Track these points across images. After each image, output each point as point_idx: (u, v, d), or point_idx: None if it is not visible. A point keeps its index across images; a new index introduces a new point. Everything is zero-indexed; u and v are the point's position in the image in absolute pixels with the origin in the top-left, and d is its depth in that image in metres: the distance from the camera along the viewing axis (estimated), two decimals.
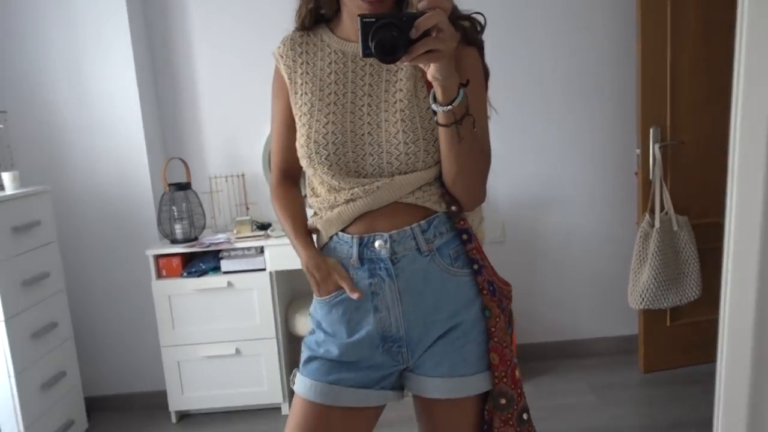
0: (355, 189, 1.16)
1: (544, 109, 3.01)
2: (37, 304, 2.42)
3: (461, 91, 1.04)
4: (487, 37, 1.21)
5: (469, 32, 1.17)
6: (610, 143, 3.02)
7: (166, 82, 2.92)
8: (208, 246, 2.67)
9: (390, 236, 1.16)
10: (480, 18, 1.20)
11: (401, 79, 1.16)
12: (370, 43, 0.96)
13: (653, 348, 2.92)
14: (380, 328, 1.19)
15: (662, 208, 2.73)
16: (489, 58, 1.21)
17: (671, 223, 2.72)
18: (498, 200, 3.06)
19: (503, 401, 1.21)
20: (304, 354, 1.25)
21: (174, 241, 2.73)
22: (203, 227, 2.81)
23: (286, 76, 1.24)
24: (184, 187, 2.75)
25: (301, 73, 1.22)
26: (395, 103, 1.16)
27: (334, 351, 1.21)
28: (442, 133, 1.09)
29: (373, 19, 0.96)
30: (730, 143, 1.16)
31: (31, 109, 2.75)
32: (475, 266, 1.21)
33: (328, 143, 1.16)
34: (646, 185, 2.75)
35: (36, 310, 2.42)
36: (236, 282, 2.67)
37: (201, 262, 2.71)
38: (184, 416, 2.87)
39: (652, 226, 2.72)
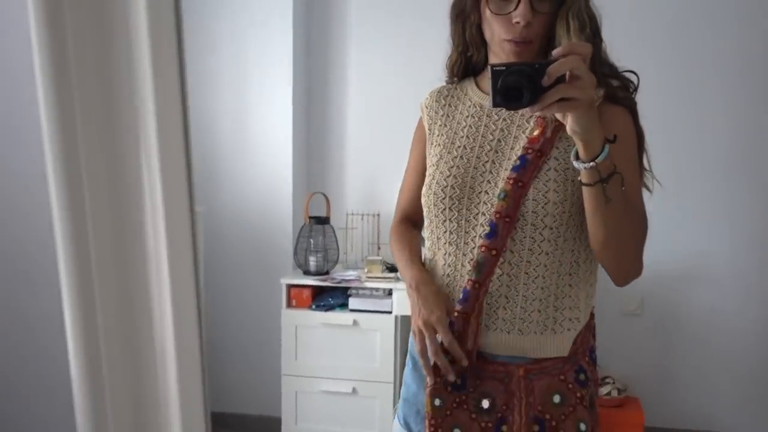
0: None
1: (699, 177, 2.82)
2: None
3: (606, 147, 0.95)
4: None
5: (617, 91, 1.10)
6: None
7: (318, 119, 3.05)
8: (339, 282, 2.71)
9: None
10: (633, 77, 1.13)
11: (528, 136, 1.10)
12: (498, 92, 0.92)
13: None
14: None
15: None
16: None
17: None
18: None
19: None
20: None
21: (306, 273, 2.81)
22: (336, 262, 2.87)
23: (426, 127, 1.25)
24: (324, 221, 2.83)
25: (440, 125, 1.21)
26: (516, 159, 1.10)
27: None
28: (587, 194, 1.01)
29: (504, 68, 0.92)
30: None
31: (195, 135, 2.96)
32: None
33: (446, 197, 1.13)
34: None
35: None
36: (362, 321, 2.68)
37: (330, 296, 2.76)
38: None
39: None
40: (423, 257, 1.25)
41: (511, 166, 1.09)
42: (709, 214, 2.82)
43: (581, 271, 1.13)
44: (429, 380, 1.11)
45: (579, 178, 1.00)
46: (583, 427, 1.07)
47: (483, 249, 1.08)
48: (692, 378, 2.91)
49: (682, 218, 2.85)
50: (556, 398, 1.08)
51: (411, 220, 1.32)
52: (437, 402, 1.10)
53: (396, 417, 1.30)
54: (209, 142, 2.96)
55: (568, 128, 0.95)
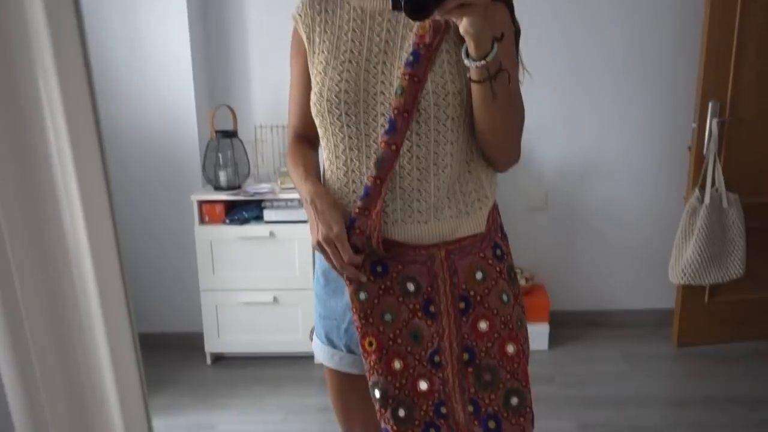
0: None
1: (597, 76, 2.92)
2: None
3: (495, 46, 0.99)
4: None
5: None
6: (663, 115, 2.94)
7: (216, 28, 2.89)
8: (252, 195, 2.68)
9: None
10: None
11: (414, 35, 1.11)
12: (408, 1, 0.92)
13: (689, 323, 2.91)
14: None
15: (713, 184, 2.67)
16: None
17: (721, 200, 2.66)
18: (543, 167, 3.02)
19: (488, 377, 1.12)
20: None
21: (217, 188, 2.75)
22: (247, 176, 2.83)
23: (304, 37, 1.20)
24: (231, 134, 2.76)
25: (320, 32, 1.18)
26: (405, 58, 1.11)
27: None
28: (476, 90, 1.05)
29: None
30: None
31: None
32: None
33: (340, 102, 1.12)
34: (699, 160, 2.69)
35: None
36: (278, 232, 2.69)
37: (243, 210, 2.73)
38: (218, 358, 2.94)
39: (702, 201, 2.67)
40: (322, 169, 1.24)
41: (403, 64, 1.09)
42: (606, 113, 2.96)
43: (479, 154, 1.18)
44: (347, 284, 1.14)
45: (468, 75, 1.04)
46: (505, 297, 1.14)
47: (383, 145, 1.10)
48: (592, 264, 3.14)
49: (581, 117, 2.97)
50: (479, 275, 1.14)
51: (305, 138, 1.27)
52: (362, 296, 1.13)
53: (315, 336, 1.31)
54: (101, 58, 2.75)
55: (461, 29, 0.97)
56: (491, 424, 1.09)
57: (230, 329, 2.81)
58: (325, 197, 1.14)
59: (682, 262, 2.72)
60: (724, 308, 2.91)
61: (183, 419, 2.49)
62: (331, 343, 1.26)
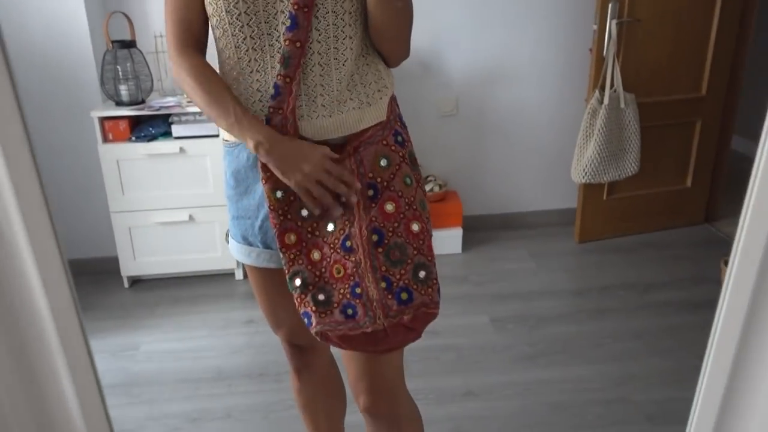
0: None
1: None
2: None
3: None
4: None
5: None
6: (565, 17, 3.01)
7: None
8: (158, 109, 2.56)
9: None
10: None
11: None
12: None
13: (589, 220, 3.12)
14: None
15: (612, 85, 2.81)
16: None
17: (619, 100, 2.81)
18: (452, 74, 3.05)
19: (396, 254, 1.16)
20: None
21: (119, 104, 2.60)
22: (150, 90, 2.68)
23: None
24: (129, 45, 2.58)
25: None
26: None
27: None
28: None
29: None
30: None
31: None
32: None
33: (239, 0, 1.08)
34: (600, 62, 2.81)
35: None
36: (189, 148, 2.60)
37: (150, 126, 2.61)
38: (136, 281, 2.89)
39: (601, 102, 2.80)
40: (221, 71, 1.20)
41: None
42: (511, 18, 2.99)
43: (374, 48, 1.21)
44: (262, 183, 1.15)
45: None
46: (408, 180, 1.19)
47: (287, 42, 1.09)
48: (501, 169, 3.26)
49: (487, 24, 2.99)
50: (383, 162, 1.18)
51: (193, 46, 1.19)
52: (279, 194, 1.16)
53: (230, 239, 1.33)
54: None
55: None
56: (403, 296, 1.15)
57: (146, 251, 2.75)
58: (284, 139, 1.12)
59: (583, 161, 2.89)
60: (621, 204, 3.13)
61: (105, 343, 2.45)
62: (246, 241, 1.29)
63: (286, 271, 1.17)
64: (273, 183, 1.14)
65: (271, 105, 1.12)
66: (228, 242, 1.35)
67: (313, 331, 1.15)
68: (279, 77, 1.11)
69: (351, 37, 1.14)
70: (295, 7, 1.07)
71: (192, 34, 1.18)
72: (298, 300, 1.17)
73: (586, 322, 2.49)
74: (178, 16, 1.16)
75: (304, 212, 1.16)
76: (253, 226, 1.26)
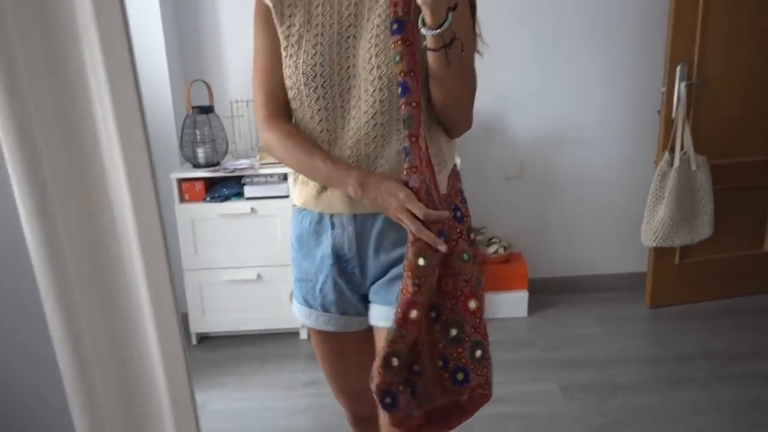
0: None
1: (566, 44, 2.97)
2: None
3: (449, 15, 1.03)
4: None
5: None
6: (632, 80, 3.01)
7: (188, 2, 2.83)
8: (232, 171, 2.66)
9: None
10: None
11: (381, 5, 1.16)
12: None
13: (661, 284, 3.01)
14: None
15: (682, 147, 2.76)
16: None
17: (690, 162, 2.75)
18: (516, 136, 3.07)
19: (454, 332, 1.15)
20: None
21: (196, 166, 2.72)
22: (225, 152, 2.79)
23: (271, 5, 1.21)
24: (207, 110, 2.72)
25: (289, 6, 1.20)
26: (372, 29, 1.16)
27: None
28: (431, 58, 1.10)
29: None
30: None
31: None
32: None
33: (316, 75, 1.16)
34: (668, 124, 2.77)
35: None
36: (259, 208, 2.68)
37: (224, 187, 2.71)
38: (204, 338, 2.93)
39: (671, 165, 2.75)
40: None
41: (370, 35, 1.15)
42: (577, 79, 3.01)
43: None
44: (409, 246, 1.11)
45: (425, 44, 1.08)
46: (465, 257, 1.17)
47: (404, 107, 1.12)
48: (567, 231, 3.22)
49: (552, 85, 3.02)
50: (441, 237, 1.14)
51: (282, 115, 1.26)
52: (422, 262, 1.10)
53: (293, 300, 1.37)
54: None
55: (418, 0, 1.01)
56: (459, 376, 1.14)
57: (215, 308, 2.80)
58: (372, 175, 1.16)
59: (654, 224, 2.82)
60: (694, 269, 3.02)
61: None
62: (307, 303, 1.32)
63: (386, 348, 1.11)
64: (418, 248, 1.09)
65: (405, 167, 1.13)
66: (292, 303, 1.39)
67: (397, 417, 1.13)
68: (404, 138, 1.13)
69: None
70: (401, 75, 1.11)
71: (279, 104, 1.25)
72: (388, 380, 1.12)
73: (662, 393, 2.38)
74: (265, 87, 1.24)
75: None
76: (314, 290, 1.29)
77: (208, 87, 2.80)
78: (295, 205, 1.30)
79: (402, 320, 1.09)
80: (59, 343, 0.66)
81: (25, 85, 0.57)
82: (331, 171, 1.18)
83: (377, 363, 1.11)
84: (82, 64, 0.58)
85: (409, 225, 1.09)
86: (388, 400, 1.11)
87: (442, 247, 1.08)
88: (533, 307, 3.06)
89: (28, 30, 0.56)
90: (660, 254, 2.97)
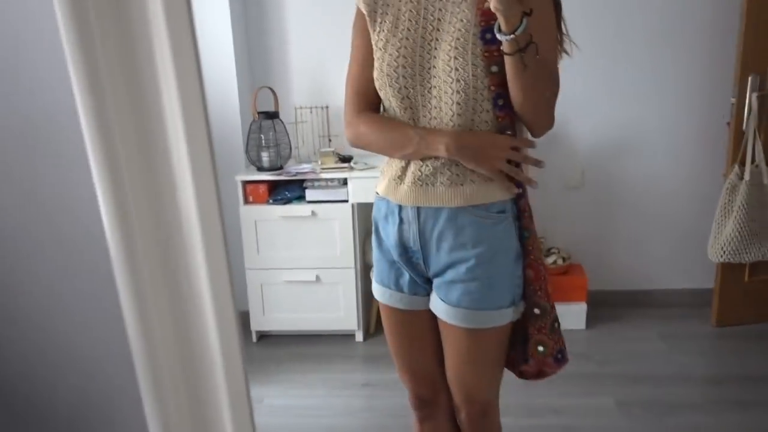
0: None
1: (632, 51, 2.92)
2: None
3: (524, 21, 1.08)
4: None
5: None
6: (700, 90, 2.92)
7: (255, 10, 2.95)
8: (294, 175, 2.75)
9: None
10: None
11: (464, 11, 1.22)
12: None
13: (728, 302, 2.90)
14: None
15: (753, 160, 2.66)
16: None
17: (762, 176, 2.65)
18: (578, 145, 3.03)
19: (537, 311, 1.33)
20: None
21: (260, 169, 2.82)
22: (288, 157, 2.89)
23: (366, 15, 1.31)
24: (273, 116, 2.82)
25: (381, 13, 1.30)
26: (453, 32, 1.22)
27: None
28: (508, 61, 1.15)
29: None
30: None
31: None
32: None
33: (399, 76, 1.25)
34: (738, 136, 2.68)
35: None
36: (319, 211, 2.75)
37: (286, 190, 2.80)
38: (263, 336, 3.03)
39: (741, 178, 2.66)
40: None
41: (451, 38, 1.22)
42: (643, 88, 2.95)
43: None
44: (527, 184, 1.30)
45: (501, 48, 1.14)
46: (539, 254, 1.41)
47: (500, 119, 1.25)
48: (629, 242, 3.14)
49: (616, 93, 2.97)
50: (526, 233, 1.38)
51: (371, 109, 1.37)
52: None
53: (373, 279, 1.49)
54: None
55: (491, 6, 1.06)
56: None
57: (275, 308, 2.89)
58: (466, 131, 1.25)
59: (722, 239, 2.72)
60: (764, 287, 2.90)
61: None
62: (382, 282, 1.43)
63: (552, 316, 1.36)
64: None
65: None
66: (374, 283, 1.49)
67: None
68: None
69: (488, 111, 1.25)
70: (500, 86, 1.21)
71: (367, 102, 1.35)
72: (562, 340, 1.37)
73: (725, 415, 2.29)
74: (355, 86, 1.36)
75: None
76: (389, 270, 1.41)
77: (274, 93, 2.90)
78: (377, 193, 1.40)
79: (549, 296, 1.35)
80: (135, 341, 0.72)
81: (105, 86, 0.63)
82: (422, 134, 1.26)
83: (546, 332, 1.33)
84: (153, 69, 0.64)
85: (506, 168, 1.24)
86: (559, 356, 1.35)
87: (534, 185, 1.27)
88: (592, 320, 3.01)
89: (109, 31, 0.63)
90: (728, 270, 2.86)
